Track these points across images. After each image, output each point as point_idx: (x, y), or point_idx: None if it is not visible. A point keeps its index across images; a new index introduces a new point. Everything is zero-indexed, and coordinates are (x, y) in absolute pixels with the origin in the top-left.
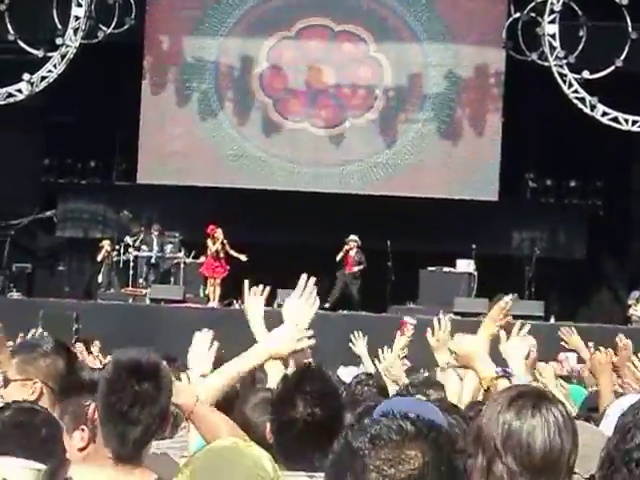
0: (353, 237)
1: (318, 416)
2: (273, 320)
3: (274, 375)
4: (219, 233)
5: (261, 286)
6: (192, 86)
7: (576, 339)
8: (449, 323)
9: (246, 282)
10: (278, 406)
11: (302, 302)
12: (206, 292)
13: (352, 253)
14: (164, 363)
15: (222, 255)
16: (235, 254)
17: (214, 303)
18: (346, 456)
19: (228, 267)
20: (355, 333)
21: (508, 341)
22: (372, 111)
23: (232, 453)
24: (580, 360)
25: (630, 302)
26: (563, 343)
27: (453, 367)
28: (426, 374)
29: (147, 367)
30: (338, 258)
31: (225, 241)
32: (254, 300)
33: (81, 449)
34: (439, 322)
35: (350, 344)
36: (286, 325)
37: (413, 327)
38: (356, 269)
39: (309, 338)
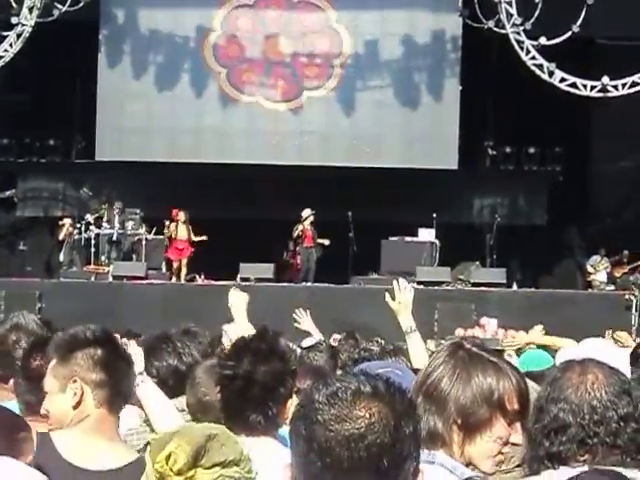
0: (308, 211)
1: (259, 375)
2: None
3: None
4: (182, 216)
5: None
6: (148, 59)
7: (522, 336)
8: (409, 285)
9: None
10: (225, 361)
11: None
12: (172, 270)
13: (309, 227)
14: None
15: (186, 237)
16: (197, 238)
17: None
18: (305, 407)
19: (192, 248)
20: (297, 311)
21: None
22: (330, 81)
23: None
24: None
25: (589, 267)
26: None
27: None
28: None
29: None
30: (295, 234)
31: (190, 226)
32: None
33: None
34: (398, 285)
35: (295, 323)
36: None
37: None
38: (317, 242)
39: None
